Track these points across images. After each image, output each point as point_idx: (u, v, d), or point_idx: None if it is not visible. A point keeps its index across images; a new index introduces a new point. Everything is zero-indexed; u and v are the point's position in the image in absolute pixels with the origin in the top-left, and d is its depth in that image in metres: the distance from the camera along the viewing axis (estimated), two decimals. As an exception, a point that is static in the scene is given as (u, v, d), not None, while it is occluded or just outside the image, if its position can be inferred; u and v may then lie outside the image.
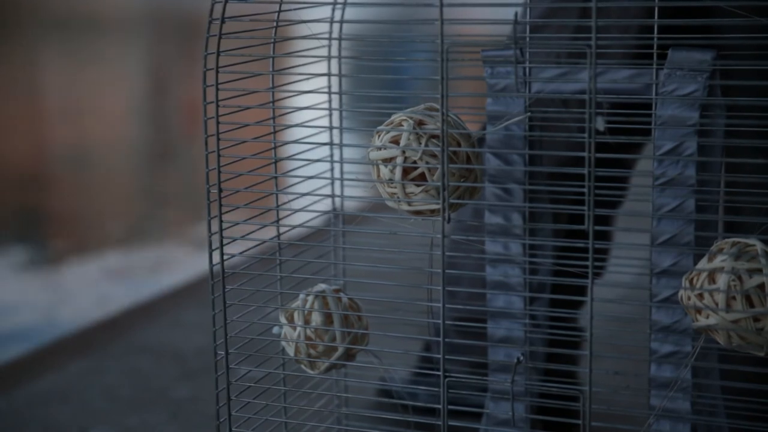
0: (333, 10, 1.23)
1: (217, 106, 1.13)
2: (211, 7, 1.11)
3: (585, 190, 1.02)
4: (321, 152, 1.24)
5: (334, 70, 1.24)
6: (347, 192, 1.28)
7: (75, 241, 3.44)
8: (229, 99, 1.13)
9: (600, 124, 1.00)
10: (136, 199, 4.11)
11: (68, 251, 3.31)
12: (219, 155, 1.14)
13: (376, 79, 1.15)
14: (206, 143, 1.13)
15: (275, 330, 1.18)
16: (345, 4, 1.21)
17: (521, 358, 1.18)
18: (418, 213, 1.10)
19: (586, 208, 1.02)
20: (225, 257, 1.16)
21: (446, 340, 1.11)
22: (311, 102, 1.25)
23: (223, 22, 1.11)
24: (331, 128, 1.27)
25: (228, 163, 1.15)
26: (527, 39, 1.18)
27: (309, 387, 1.31)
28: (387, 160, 1.08)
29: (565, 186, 1.14)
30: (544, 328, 1.22)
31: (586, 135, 1.00)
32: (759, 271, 0.99)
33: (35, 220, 3.73)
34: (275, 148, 1.19)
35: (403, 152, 1.07)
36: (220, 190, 1.15)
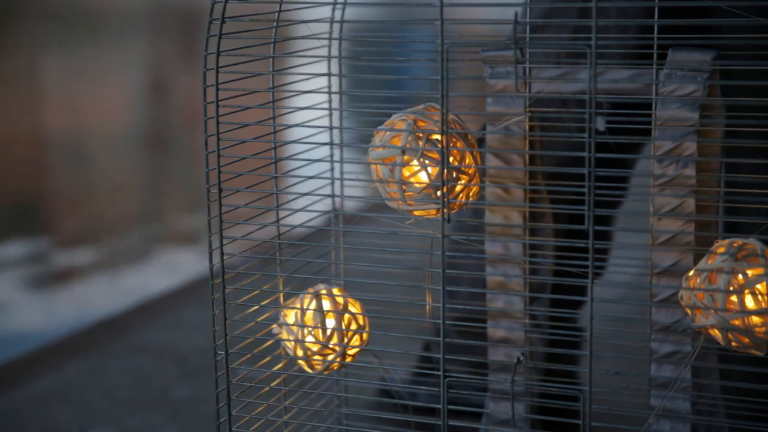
0: (333, 10, 1.23)
1: (217, 106, 1.13)
2: (211, 7, 1.11)
3: (585, 190, 1.02)
4: (321, 152, 1.24)
5: (334, 70, 1.24)
6: (347, 192, 1.28)
7: (74, 238, 3.44)
8: (229, 99, 1.13)
9: (600, 124, 1.00)
10: (135, 195, 4.11)
11: (68, 248, 3.31)
12: (219, 155, 1.14)
13: (376, 79, 1.15)
14: (206, 143, 1.13)
15: (275, 330, 1.18)
16: (345, 4, 1.21)
17: (521, 358, 1.18)
18: (418, 213, 1.10)
19: (586, 208, 1.02)
20: (225, 257, 1.16)
21: (446, 340, 1.11)
22: (311, 102, 1.25)
23: (223, 22, 1.11)
24: (331, 128, 1.27)
25: (228, 163, 1.15)
26: (527, 39, 1.18)
27: (309, 387, 1.31)
28: (387, 160, 1.08)
29: (565, 186, 1.14)
30: (544, 328, 1.22)
31: (586, 135, 1.00)
32: (759, 271, 0.99)
33: (35, 218, 3.72)
34: (275, 148, 1.19)
35: (403, 152, 1.07)
36: (220, 190, 1.15)
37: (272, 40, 1.17)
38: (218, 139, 1.14)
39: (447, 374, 1.11)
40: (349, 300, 1.18)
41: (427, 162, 1.07)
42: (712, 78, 1.09)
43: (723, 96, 1.10)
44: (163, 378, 1.79)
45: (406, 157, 1.08)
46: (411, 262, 1.13)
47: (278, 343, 1.19)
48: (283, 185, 1.20)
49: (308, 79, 1.17)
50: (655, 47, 1.11)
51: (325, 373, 1.18)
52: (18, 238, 3.41)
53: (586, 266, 1.04)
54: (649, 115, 1.12)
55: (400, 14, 1.17)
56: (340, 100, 1.26)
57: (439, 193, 1.08)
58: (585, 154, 1.01)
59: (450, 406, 1.12)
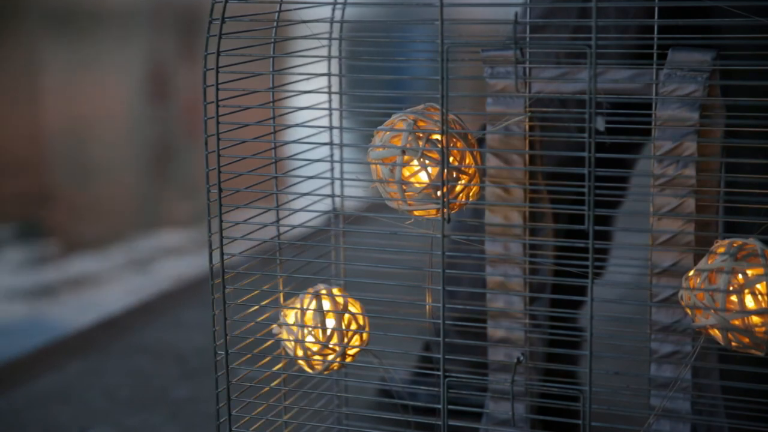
0: (333, 10, 1.23)
1: (217, 106, 1.13)
2: (211, 7, 1.11)
3: (585, 190, 1.02)
4: (321, 152, 1.24)
5: (334, 70, 1.24)
6: (347, 192, 1.28)
7: (74, 239, 3.44)
8: (229, 99, 1.13)
9: (600, 124, 1.00)
10: (135, 195, 4.11)
11: (67, 250, 3.31)
12: (219, 155, 1.14)
13: (376, 79, 1.15)
14: (206, 143, 1.13)
15: (275, 330, 1.18)
16: (345, 4, 1.21)
17: (521, 358, 1.18)
18: (418, 213, 1.10)
19: (586, 208, 1.02)
20: (225, 257, 1.16)
21: (446, 340, 1.11)
22: (311, 102, 1.25)
23: (223, 22, 1.11)
24: (331, 128, 1.27)
25: (228, 163, 1.15)
26: (527, 39, 1.18)
27: (309, 387, 1.31)
28: (387, 160, 1.08)
29: (565, 186, 1.14)
30: (544, 328, 1.22)
31: (586, 135, 1.00)
32: (759, 271, 0.99)
33: (35, 219, 3.73)
34: (275, 148, 1.19)
35: (403, 152, 1.07)
36: (220, 190, 1.15)
37: (272, 40, 1.17)
38: (218, 139, 1.14)
39: (447, 374, 1.11)
40: (349, 300, 1.18)
41: (427, 162, 1.07)
42: (712, 78, 1.09)
43: (723, 96, 1.10)
44: (163, 378, 1.79)
45: (406, 157, 1.08)
46: (411, 262, 1.13)
47: (278, 343, 1.19)
48: (283, 185, 1.20)
49: (308, 79, 1.17)
50: (655, 47, 1.11)
51: (325, 373, 1.18)
52: (19, 240, 3.41)
53: (586, 266, 1.04)
54: (649, 115, 1.12)
55: (400, 14, 1.17)
56: (340, 100, 1.26)
57: (439, 193, 1.08)
58: (585, 154, 1.01)
59: (450, 406, 1.12)
